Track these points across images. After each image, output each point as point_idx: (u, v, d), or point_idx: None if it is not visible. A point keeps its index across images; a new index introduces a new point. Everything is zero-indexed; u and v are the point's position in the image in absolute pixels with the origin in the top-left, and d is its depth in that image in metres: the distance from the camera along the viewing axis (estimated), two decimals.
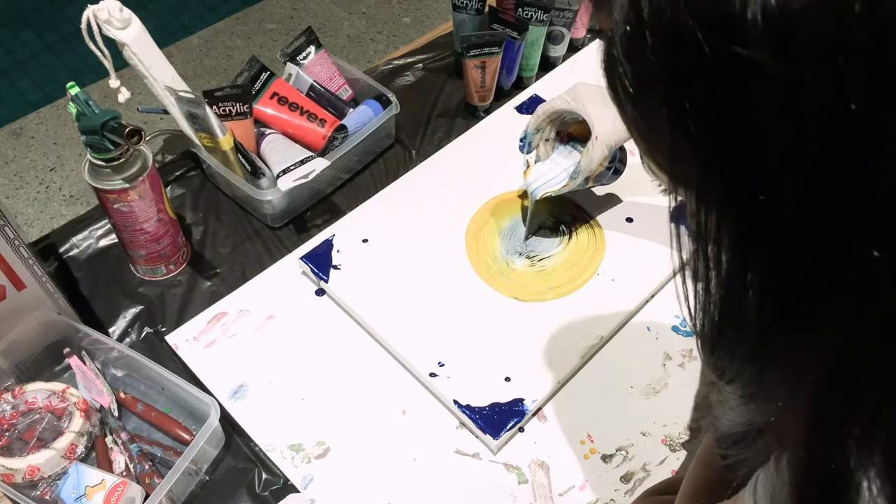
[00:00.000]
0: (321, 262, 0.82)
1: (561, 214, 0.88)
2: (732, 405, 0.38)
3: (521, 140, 0.84)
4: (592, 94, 0.77)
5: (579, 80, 0.80)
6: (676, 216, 0.34)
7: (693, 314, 0.35)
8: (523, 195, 0.89)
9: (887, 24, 0.24)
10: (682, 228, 0.34)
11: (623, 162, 0.83)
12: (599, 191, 0.90)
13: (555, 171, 0.82)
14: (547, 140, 0.84)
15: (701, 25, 0.26)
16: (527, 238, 0.86)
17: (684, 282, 0.34)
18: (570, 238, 0.86)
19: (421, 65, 1.10)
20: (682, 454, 0.71)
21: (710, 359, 0.36)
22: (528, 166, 0.84)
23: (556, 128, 0.83)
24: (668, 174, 0.33)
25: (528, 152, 0.84)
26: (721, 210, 0.30)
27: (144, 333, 0.80)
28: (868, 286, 0.28)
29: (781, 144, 0.27)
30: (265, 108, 0.91)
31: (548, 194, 0.81)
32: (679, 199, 0.33)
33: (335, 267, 0.81)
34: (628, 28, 0.29)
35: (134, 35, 0.77)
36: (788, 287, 0.30)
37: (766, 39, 0.25)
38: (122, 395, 0.73)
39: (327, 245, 0.83)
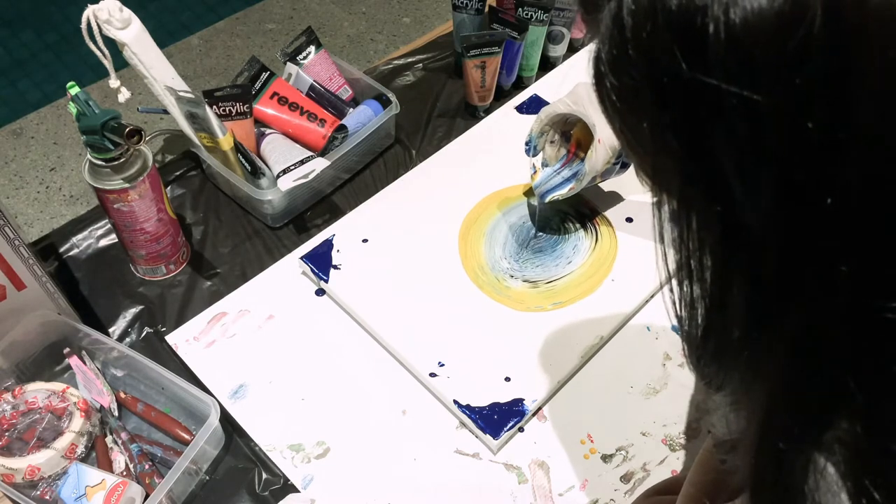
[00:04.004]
0: (321, 262, 0.82)
1: (579, 206, 0.88)
2: (725, 412, 0.38)
3: (527, 144, 0.84)
4: (593, 94, 0.77)
5: (579, 80, 0.80)
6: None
7: (681, 322, 0.36)
8: (528, 192, 0.89)
9: (847, 45, 0.24)
10: (668, 242, 0.34)
11: None
12: (600, 191, 0.90)
13: (560, 178, 0.83)
14: (552, 142, 0.84)
15: (677, 41, 0.27)
16: (536, 234, 0.85)
17: (672, 291, 0.35)
18: (596, 241, 0.85)
19: (421, 65, 1.10)
20: (682, 454, 0.71)
21: (698, 367, 0.36)
22: (535, 170, 0.84)
23: (559, 129, 0.83)
24: (654, 185, 0.33)
25: (534, 155, 0.84)
26: (701, 222, 0.31)
27: (144, 333, 0.80)
28: (828, 295, 0.29)
29: (741, 161, 0.27)
30: (265, 108, 0.91)
31: (556, 198, 0.82)
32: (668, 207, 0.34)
33: (335, 267, 0.81)
34: (613, 44, 0.30)
35: (134, 35, 0.77)
36: (761, 296, 0.30)
37: (727, 56, 0.26)
38: (122, 395, 0.73)
39: (327, 245, 0.83)
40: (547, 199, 0.82)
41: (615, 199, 0.90)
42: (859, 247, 0.27)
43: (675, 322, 0.36)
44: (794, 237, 0.28)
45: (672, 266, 0.34)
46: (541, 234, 0.86)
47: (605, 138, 0.75)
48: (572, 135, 0.84)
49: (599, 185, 0.89)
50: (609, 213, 0.88)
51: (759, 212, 0.28)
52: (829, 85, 0.25)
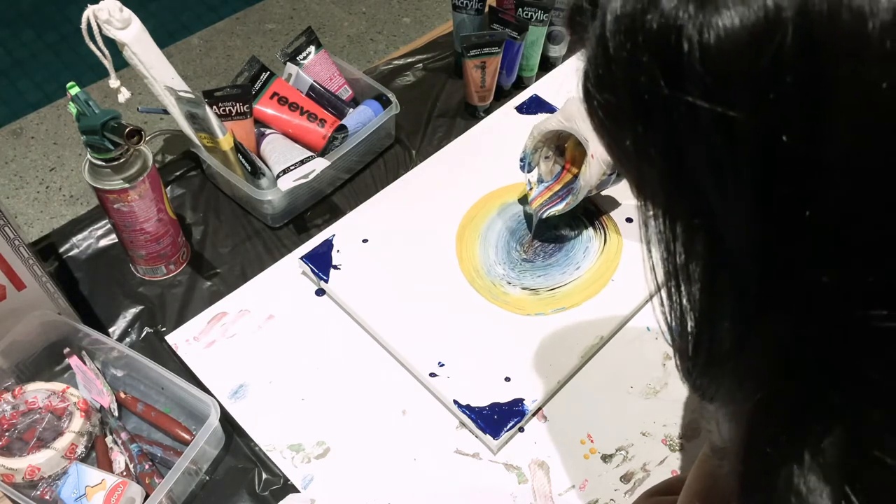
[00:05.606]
0: (321, 262, 0.82)
1: (585, 203, 0.87)
2: (720, 420, 0.39)
3: (521, 160, 0.84)
4: (583, 109, 0.77)
5: (571, 94, 0.80)
6: None
7: (671, 334, 0.36)
8: (523, 198, 0.89)
9: (819, 60, 0.24)
10: (656, 253, 0.35)
11: None
12: (600, 193, 0.90)
13: (556, 193, 0.83)
14: (546, 157, 0.84)
15: (656, 60, 0.27)
16: (533, 240, 0.85)
17: (662, 303, 0.35)
18: (605, 241, 0.84)
19: (421, 65, 1.10)
20: (682, 454, 0.71)
21: (689, 379, 0.37)
22: (531, 186, 0.84)
23: (553, 144, 0.83)
24: (641, 197, 0.34)
25: (529, 171, 0.84)
26: (686, 234, 0.31)
27: (144, 333, 0.80)
28: (810, 306, 0.29)
29: (720, 175, 0.28)
30: (265, 108, 0.91)
31: (553, 213, 0.82)
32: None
33: (335, 267, 0.81)
34: (598, 63, 0.30)
35: (134, 35, 0.77)
36: (746, 307, 0.31)
37: (703, 74, 0.26)
38: (122, 395, 0.73)
39: (327, 245, 0.83)
40: (545, 216, 0.82)
41: (615, 200, 0.89)
42: (839, 257, 0.27)
43: (666, 333, 0.36)
44: (773, 249, 0.28)
45: (661, 277, 0.34)
46: (544, 242, 0.85)
47: (599, 153, 0.76)
48: (566, 148, 0.84)
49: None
50: (609, 214, 0.88)
51: (739, 225, 0.28)
52: (803, 100, 0.25)
